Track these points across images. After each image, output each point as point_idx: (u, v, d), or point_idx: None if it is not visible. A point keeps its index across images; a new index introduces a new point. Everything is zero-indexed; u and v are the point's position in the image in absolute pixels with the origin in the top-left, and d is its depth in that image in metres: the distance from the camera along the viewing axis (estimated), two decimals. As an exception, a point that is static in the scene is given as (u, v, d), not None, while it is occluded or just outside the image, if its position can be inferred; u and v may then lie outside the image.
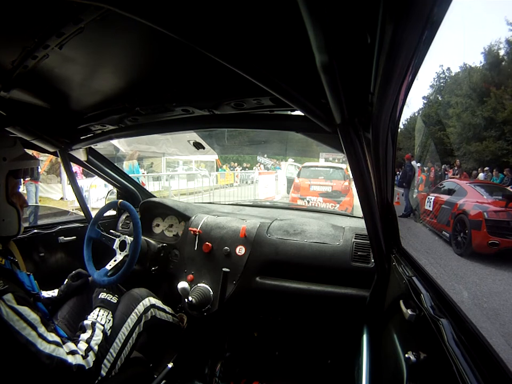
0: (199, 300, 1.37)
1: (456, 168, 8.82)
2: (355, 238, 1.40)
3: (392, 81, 0.51)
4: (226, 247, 1.47)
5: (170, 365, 1.24)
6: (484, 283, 3.18)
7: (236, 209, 2.00)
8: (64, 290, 1.25)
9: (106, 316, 1.07)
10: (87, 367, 0.87)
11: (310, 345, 1.57)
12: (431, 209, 5.60)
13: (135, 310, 1.19)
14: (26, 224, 1.15)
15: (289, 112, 0.98)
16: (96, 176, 2.04)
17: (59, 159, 1.61)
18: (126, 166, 5.54)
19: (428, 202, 5.79)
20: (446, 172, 8.73)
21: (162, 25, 0.51)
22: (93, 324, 1.01)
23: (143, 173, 7.89)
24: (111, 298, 1.15)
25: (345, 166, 7.28)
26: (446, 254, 4.29)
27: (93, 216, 1.48)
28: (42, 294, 1.18)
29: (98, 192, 6.13)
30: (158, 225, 1.87)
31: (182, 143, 8.45)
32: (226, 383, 1.47)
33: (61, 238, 1.67)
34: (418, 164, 7.63)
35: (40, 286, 1.04)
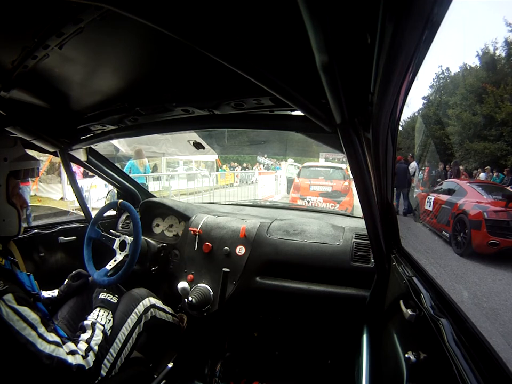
0: (199, 299, 1.37)
1: (456, 168, 8.81)
2: (355, 238, 1.40)
3: (392, 81, 0.51)
4: (226, 247, 1.47)
5: (170, 365, 1.24)
6: (483, 283, 3.18)
7: (236, 209, 2.00)
8: (64, 290, 1.25)
9: (106, 316, 1.07)
10: (87, 367, 0.87)
11: (310, 345, 1.57)
12: (431, 209, 5.60)
13: (135, 310, 1.19)
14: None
15: (289, 112, 0.98)
16: (96, 176, 2.04)
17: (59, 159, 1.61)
18: (140, 166, 5.43)
19: (427, 202, 5.79)
20: (449, 170, 8.68)
21: (162, 25, 0.51)
22: (93, 324, 1.01)
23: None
24: (111, 298, 1.15)
25: (345, 166, 7.28)
26: (446, 254, 4.29)
27: (93, 216, 1.48)
28: (42, 294, 1.18)
29: (98, 192, 6.13)
30: (158, 225, 1.87)
31: (182, 143, 8.45)
32: (226, 383, 1.47)
33: (61, 238, 1.67)
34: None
35: (40, 286, 1.04)
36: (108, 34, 0.71)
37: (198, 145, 1.80)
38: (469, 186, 5.02)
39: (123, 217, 1.94)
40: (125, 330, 1.12)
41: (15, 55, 0.78)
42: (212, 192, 8.00)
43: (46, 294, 1.23)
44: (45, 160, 7.20)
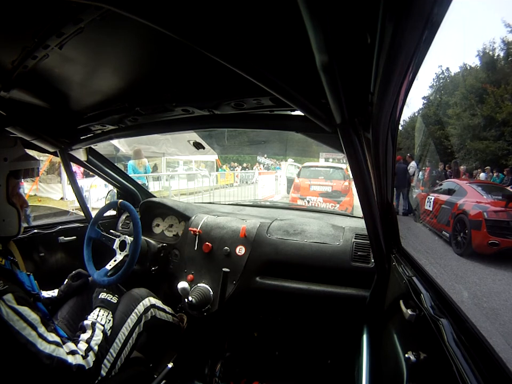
0: (199, 299, 1.37)
1: (455, 168, 8.80)
2: (355, 238, 1.40)
3: (392, 81, 0.51)
4: (226, 247, 1.47)
5: (170, 365, 1.24)
6: (483, 283, 3.18)
7: (236, 209, 2.00)
8: (64, 290, 1.25)
9: (106, 316, 1.07)
10: (87, 367, 0.87)
11: (310, 345, 1.57)
12: (431, 209, 5.60)
13: (135, 310, 1.19)
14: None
15: (289, 112, 0.98)
16: (96, 176, 2.04)
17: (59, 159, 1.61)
18: (139, 167, 5.43)
19: (427, 202, 5.79)
20: (448, 170, 8.65)
21: (162, 25, 0.51)
22: (93, 324, 1.01)
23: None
24: (111, 298, 1.15)
25: (345, 166, 7.29)
26: (446, 254, 4.29)
27: (93, 216, 1.48)
28: (42, 294, 1.18)
29: (98, 192, 6.13)
30: (158, 225, 1.87)
31: (182, 143, 8.45)
32: (226, 383, 1.47)
33: (61, 238, 1.67)
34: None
35: (40, 286, 1.04)
36: (108, 34, 0.71)
37: (198, 145, 1.80)
38: (469, 186, 5.02)
39: (123, 217, 1.94)
40: (125, 330, 1.12)
41: (15, 55, 0.78)
42: (212, 192, 8.00)
43: (46, 294, 1.23)
44: (45, 160, 7.20)
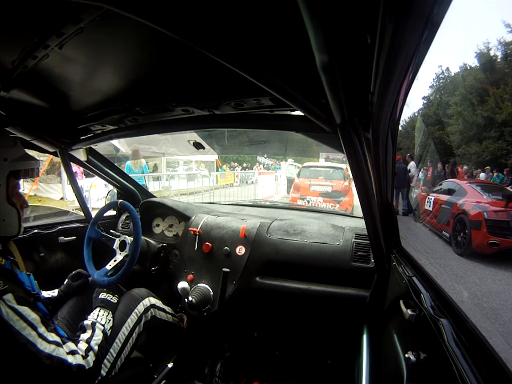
0: (199, 299, 1.37)
1: (452, 168, 8.76)
2: (355, 238, 1.40)
3: (392, 81, 0.51)
4: (226, 247, 1.47)
5: (170, 365, 1.24)
6: (483, 283, 3.17)
7: (236, 209, 2.00)
8: (64, 290, 1.25)
9: (107, 316, 1.07)
10: (87, 367, 0.87)
11: (310, 345, 1.57)
12: (431, 209, 5.60)
13: (135, 310, 1.19)
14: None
15: (289, 112, 0.98)
16: (96, 176, 2.04)
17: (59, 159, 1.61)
18: (134, 167, 5.42)
19: (427, 202, 5.79)
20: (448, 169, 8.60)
21: (162, 25, 0.51)
22: (93, 324, 1.01)
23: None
24: (111, 298, 1.15)
25: (345, 166, 7.29)
26: (446, 254, 4.28)
27: (93, 216, 1.48)
28: (42, 294, 1.18)
29: (98, 192, 6.13)
30: (158, 225, 1.87)
31: (182, 143, 8.45)
32: (226, 383, 1.47)
33: (61, 238, 1.67)
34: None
35: (40, 286, 1.04)
36: (108, 34, 0.71)
37: (198, 145, 1.80)
38: (469, 186, 5.01)
39: (123, 217, 1.94)
40: (125, 330, 1.12)
41: (15, 55, 0.78)
42: (212, 192, 8.00)
43: (46, 294, 1.23)
44: (45, 160, 7.20)
